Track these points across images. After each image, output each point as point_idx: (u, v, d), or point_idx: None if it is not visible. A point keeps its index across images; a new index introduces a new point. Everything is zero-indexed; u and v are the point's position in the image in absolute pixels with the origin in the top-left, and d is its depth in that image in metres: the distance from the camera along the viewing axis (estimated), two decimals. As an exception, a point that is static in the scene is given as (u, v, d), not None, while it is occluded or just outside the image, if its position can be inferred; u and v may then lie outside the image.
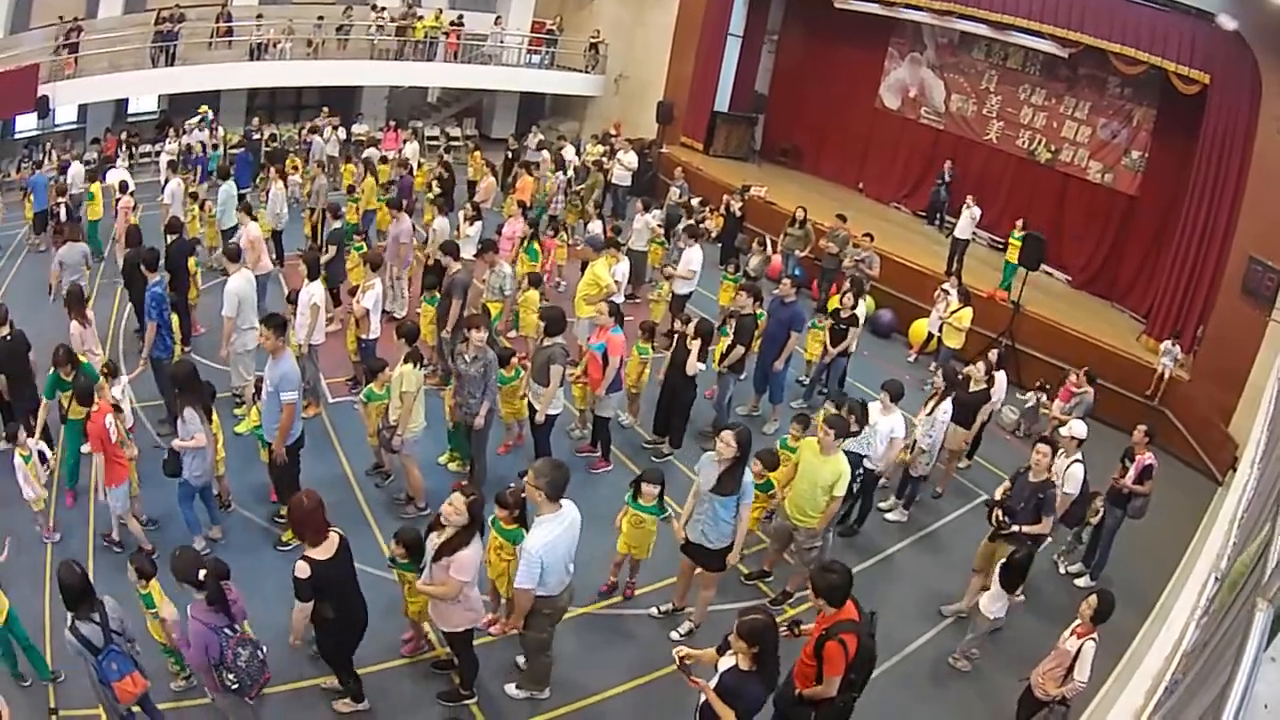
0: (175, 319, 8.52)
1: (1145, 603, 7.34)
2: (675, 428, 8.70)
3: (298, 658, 5.55)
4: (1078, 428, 7.48)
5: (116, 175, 12.34)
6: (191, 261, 9.91)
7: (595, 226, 12.01)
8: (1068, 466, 7.20)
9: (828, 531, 6.72)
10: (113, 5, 16.83)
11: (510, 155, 16.56)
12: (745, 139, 18.82)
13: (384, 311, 9.54)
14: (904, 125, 17.10)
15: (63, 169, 13.86)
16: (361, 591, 5.02)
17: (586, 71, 20.29)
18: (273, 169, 12.99)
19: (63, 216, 12.21)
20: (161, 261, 8.25)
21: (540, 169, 14.96)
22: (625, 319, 8.34)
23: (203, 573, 4.54)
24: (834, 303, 10.41)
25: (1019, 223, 12.84)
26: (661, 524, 6.38)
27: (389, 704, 5.52)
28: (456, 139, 20.52)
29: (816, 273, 13.09)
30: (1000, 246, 13.98)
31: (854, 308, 9.60)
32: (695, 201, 14.75)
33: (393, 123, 18.00)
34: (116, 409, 6.57)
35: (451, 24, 19.34)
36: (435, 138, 20.10)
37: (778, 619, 4.47)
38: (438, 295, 9.01)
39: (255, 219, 10.06)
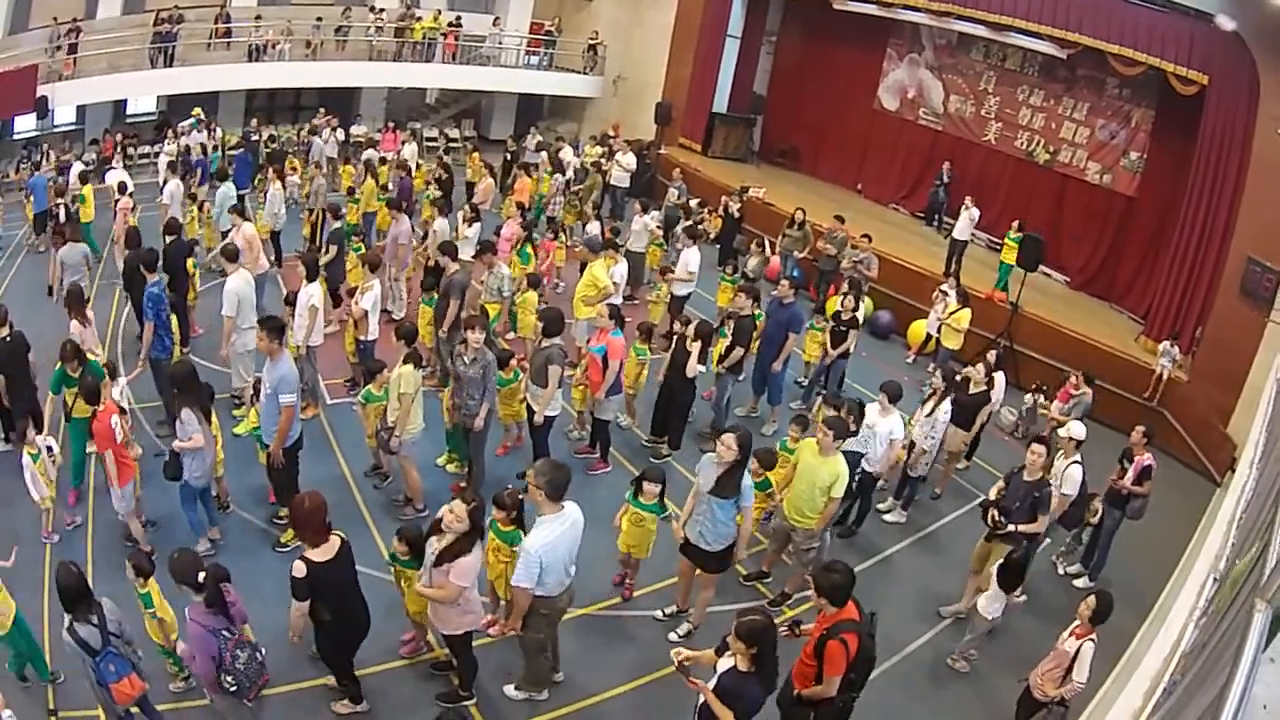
0: (174, 320, 8.51)
1: (1144, 603, 7.35)
2: (674, 429, 8.69)
3: (297, 659, 5.56)
4: (1076, 429, 7.48)
5: (115, 176, 12.33)
6: (190, 263, 9.90)
7: (593, 228, 12.02)
8: (1066, 468, 7.21)
9: (826, 532, 6.72)
10: (111, 6, 16.82)
11: (509, 157, 16.58)
12: (743, 140, 18.82)
13: (384, 311, 9.55)
14: (902, 126, 17.11)
15: (61, 170, 13.85)
16: (363, 595, 5.02)
17: (585, 73, 20.31)
18: (271, 169, 12.99)
19: (62, 217, 12.19)
20: (160, 262, 8.25)
21: (538, 170, 14.96)
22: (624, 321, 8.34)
23: (201, 575, 4.54)
24: (833, 305, 10.41)
25: (1015, 223, 12.85)
26: (661, 524, 6.39)
27: (388, 705, 5.51)
28: (455, 140, 20.52)
29: (814, 274, 13.10)
30: (999, 248, 14.00)
31: (855, 310, 9.62)
32: (694, 203, 14.76)
33: (391, 124, 17.99)
34: (121, 410, 6.56)
35: (450, 25, 19.35)
36: (434, 139, 20.10)
37: (776, 620, 4.47)
38: (436, 296, 9.01)
39: (247, 220, 10.06)
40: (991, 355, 8.99)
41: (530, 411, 7.43)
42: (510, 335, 10.14)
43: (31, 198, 12.81)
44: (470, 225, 10.59)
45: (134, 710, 4.77)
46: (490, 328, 8.59)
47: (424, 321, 9.18)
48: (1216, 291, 10.90)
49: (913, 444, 7.92)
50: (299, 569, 4.57)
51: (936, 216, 16.05)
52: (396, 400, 6.82)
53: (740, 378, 9.06)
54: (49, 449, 6.58)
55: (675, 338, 8.52)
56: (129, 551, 6.26)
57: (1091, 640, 5.21)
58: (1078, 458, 7.26)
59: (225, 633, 4.57)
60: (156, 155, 15.77)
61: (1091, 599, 5.31)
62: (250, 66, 17.02)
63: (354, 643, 5.12)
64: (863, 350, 10.88)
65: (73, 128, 17.51)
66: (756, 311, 9.07)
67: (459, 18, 19.76)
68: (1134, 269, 13.58)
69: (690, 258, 10.65)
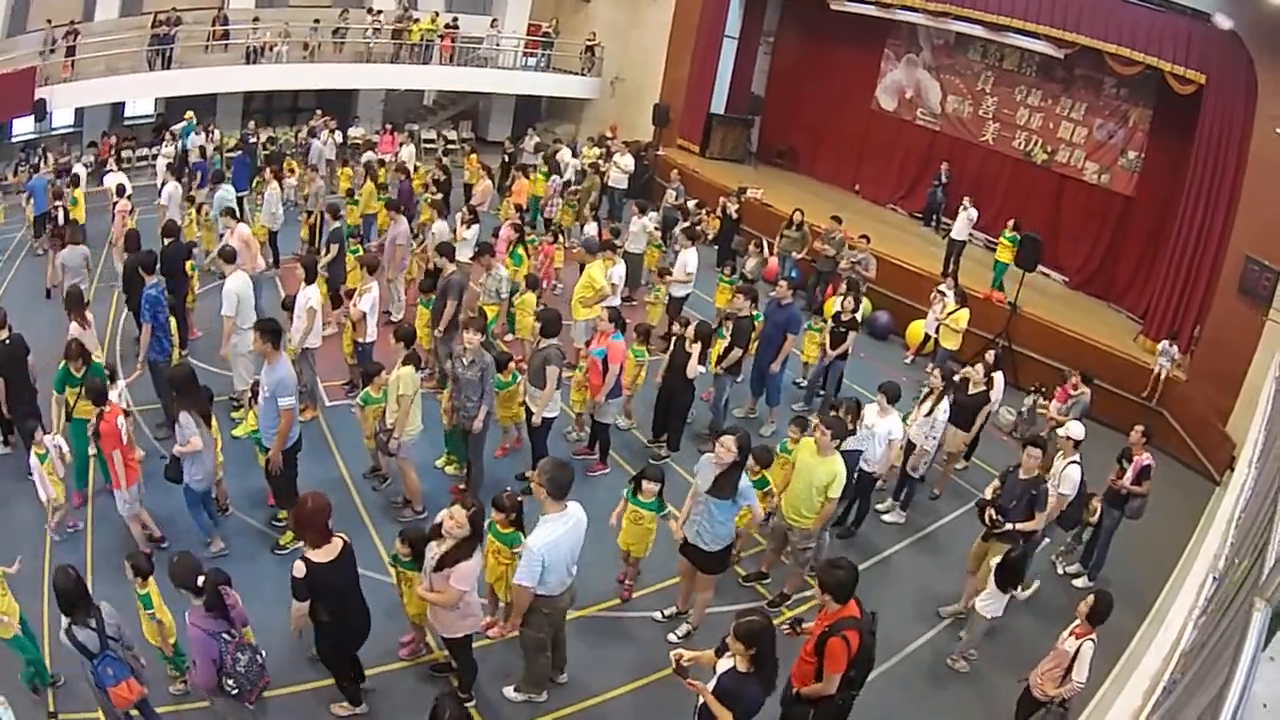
0: (173, 322, 8.50)
1: (1143, 603, 7.35)
2: (673, 430, 8.69)
3: (297, 661, 5.56)
4: (1075, 429, 7.48)
5: (114, 179, 12.32)
6: (188, 265, 9.89)
7: (591, 229, 12.01)
8: (1064, 467, 7.19)
9: (825, 533, 6.72)
10: (109, 8, 16.81)
11: (506, 158, 16.57)
12: (741, 141, 18.84)
13: (384, 313, 9.54)
14: (900, 127, 17.12)
15: (60, 172, 13.83)
16: (364, 599, 5.01)
17: (582, 74, 20.31)
18: (268, 170, 12.98)
19: (60, 220, 12.18)
20: (158, 265, 8.23)
21: (535, 171, 14.96)
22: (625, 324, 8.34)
23: (201, 579, 4.54)
24: (831, 306, 10.41)
25: (1010, 223, 12.86)
26: (661, 524, 6.38)
27: (388, 706, 5.51)
28: (453, 142, 20.52)
29: (812, 274, 13.10)
30: (996, 248, 14.01)
31: (854, 311, 9.61)
32: (692, 204, 14.74)
33: (389, 126, 18.00)
34: (125, 412, 6.56)
35: (447, 27, 19.35)
36: (432, 141, 20.10)
37: (775, 620, 4.47)
38: (434, 298, 9.00)
39: (240, 221, 10.04)
40: (990, 355, 8.98)
41: (529, 413, 7.43)
42: (508, 337, 10.13)
43: (31, 200, 12.81)
44: (468, 227, 10.58)
45: (133, 713, 4.76)
46: (488, 330, 8.59)
47: (422, 323, 9.17)
48: (1215, 290, 10.91)
49: (913, 444, 7.92)
50: (299, 569, 4.57)
51: (934, 217, 16.06)
52: (395, 402, 6.82)
53: (739, 379, 9.05)
54: (59, 447, 6.57)
55: (674, 339, 8.52)
56: (111, 555, 6.28)
57: (1091, 640, 5.22)
58: (1076, 457, 7.25)
59: (226, 635, 4.57)
60: (154, 158, 15.78)
61: (1091, 598, 5.32)
62: (248, 69, 17.02)
63: (353, 645, 5.11)
64: (861, 351, 10.89)
65: (71, 130, 17.50)
66: (755, 312, 9.08)
67: (456, 19, 19.76)
68: (1132, 268, 13.60)
69: (688, 259, 10.65)
